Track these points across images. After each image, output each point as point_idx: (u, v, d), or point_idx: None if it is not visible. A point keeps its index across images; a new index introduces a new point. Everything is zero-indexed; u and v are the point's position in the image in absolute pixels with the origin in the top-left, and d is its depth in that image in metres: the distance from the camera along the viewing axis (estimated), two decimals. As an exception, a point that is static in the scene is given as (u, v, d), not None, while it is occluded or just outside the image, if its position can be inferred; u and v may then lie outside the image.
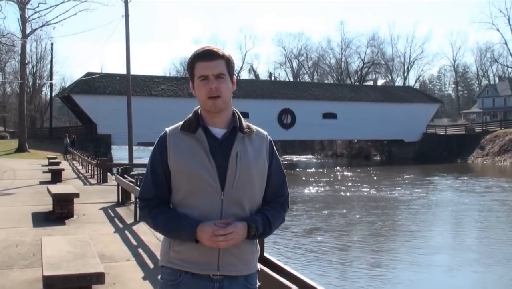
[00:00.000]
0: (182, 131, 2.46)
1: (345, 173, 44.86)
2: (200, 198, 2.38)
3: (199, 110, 2.53)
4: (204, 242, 2.30)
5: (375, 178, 39.23)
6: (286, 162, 64.82)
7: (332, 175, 42.37)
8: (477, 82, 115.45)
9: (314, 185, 34.32)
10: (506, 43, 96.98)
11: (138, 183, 11.38)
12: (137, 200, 2.77)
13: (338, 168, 52.69)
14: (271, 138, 2.59)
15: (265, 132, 2.59)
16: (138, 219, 11.40)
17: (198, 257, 2.37)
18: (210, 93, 2.41)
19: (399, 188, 31.58)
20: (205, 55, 2.44)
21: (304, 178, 39.36)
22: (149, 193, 2.47)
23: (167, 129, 2.52)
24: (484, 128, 63.75)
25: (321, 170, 49.96)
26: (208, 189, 2.36)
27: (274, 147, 2.60)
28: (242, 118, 2.55)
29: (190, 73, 2.49)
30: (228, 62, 2.48)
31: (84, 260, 5.24)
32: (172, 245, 2.42)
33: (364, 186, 33.14)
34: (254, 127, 2.55)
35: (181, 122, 2.52)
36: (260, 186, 2.48)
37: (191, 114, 2.53)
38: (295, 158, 72.48)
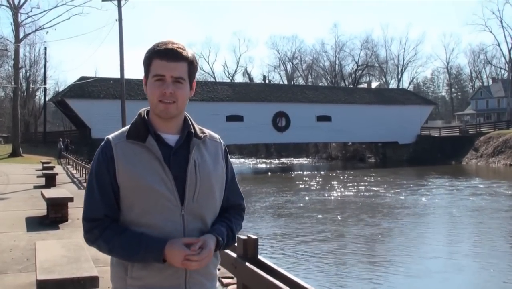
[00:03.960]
0: (129, 140, 2.15)
1: (340, 176, 44.89)
2: (158, 216, 2.10)
3: (145, 113, 2.24)
4: (174, 264, 2.06)
5: (369, 180, 39.27)
6: (280, 165, 64.85)
7: (327, 178, 42.40)
8: (470, 84, 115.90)
9: (308, 188, 34.33)
10: (499, 45, 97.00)
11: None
12: (82, 221, 2.21)
13: (338, 171, 52.71)
14: (223, 141, 2.37)
15: (217, 136, 2.35)
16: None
17: (163, 281, 2.13)
18: (164, 98, 2.14)
19: (393, 191, 31.61)
20: (167, 54, 2.14)
21: (297, 182, 39.38)
22: (98, 212, 2.12)
23: (110, 137, 2.19)
24: (478, 130, 63.97)
25: (315, 173, 49.99)
26: (166, 204, 2.10)
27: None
28: (194, 122, 2.29)
29: (146, 69, 2.21)
30: (191, 65, 2.21)
31: (78, 264, 5.23)
32: (130, 271, 2.13)
33: (359, 189, 33.18)
34: (206, 131, 2.32)
35: (125, 129, 2.22)
36: (220, 195, 2.26)
37: (135, 119, 2.23)
38: (290, 161, 72.50)
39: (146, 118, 2.22)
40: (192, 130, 2.23)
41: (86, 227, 2.16)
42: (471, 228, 19.59)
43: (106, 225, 2.12)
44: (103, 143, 2.19)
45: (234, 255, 4.61)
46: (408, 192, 30.51)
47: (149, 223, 2.10)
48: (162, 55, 2.14)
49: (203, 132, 2.28)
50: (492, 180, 37.77)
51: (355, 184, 36.25)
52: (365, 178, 40.77)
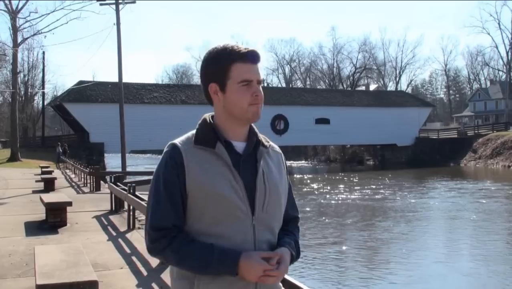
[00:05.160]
0: (197, 145, 2.06)
1: (339, 179, 44.89)
2: (229, 226, 2.01)
3: (210, 119, 2.15)
4: (249, 278, 1.98)
5: (368, 183, 39.26)
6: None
7: (325, 181, 42.41)
8: (468, 86, 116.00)
9: (307, 191, 34.32)
10: (496, 47, 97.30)
11: (131, 190, 11.36)
12: (148, 231, 2.03)
13: (337, 174, 52.70)
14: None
15: (277, 146, 2.29)
16: (131, 227, 11.39)
17: None
18: (255, 101, 2.07)
19: (393, 193, 31.62)
20: (252, 57, 2.08)
21: (298, 185, 39.36)
22: (166, 221, 2.01)
23: (177, 142, 2.08)
24: (476, 131, 64.00)
25: (314, 176, 49.98)
26: (237, 213, 2.02)
27: None
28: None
29: (221, 73, 2.07)
30: None
31: (77, 269, 5.22)
32: (197, 285, 2.02)
33: (358, 192, 33.18)
34: (269, 140, 2.25)
35: (189, 135, 2.12)
36: (284, 206, 2.20)
37: (201, 124, 2.13)
38: (289, 163, 72.51)
39: (213, 124, 2.13)
40: (260, 139, 2.17)
41: (152, 236, 2.03)
42: (470, 230, 19.58)
43: (174, 235, 2.01)
44: (168, 148, 2.07)
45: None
46: (408, 194, 30.50)
47: (219, 233, 2.01)
48: (245, 58, 2.06)
49: (267, 141, 2.21)
50: (490, 182, 37.78)
51: (354, 186, 36.26)
52: (364, 181, 40.78)
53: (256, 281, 1.98)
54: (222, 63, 2.06)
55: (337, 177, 45.90)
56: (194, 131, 2.12)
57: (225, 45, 2.09)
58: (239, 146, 2.11)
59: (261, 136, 2.19)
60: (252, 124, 2.17)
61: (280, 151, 2.27)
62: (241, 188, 2.02)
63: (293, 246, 2.15)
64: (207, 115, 2.16)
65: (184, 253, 1.98)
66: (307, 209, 24.37)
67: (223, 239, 2.00)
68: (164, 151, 2.09)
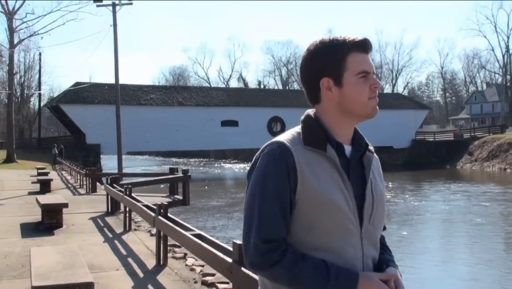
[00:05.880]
0: (307, 146, 1.81)
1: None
2: (340, 239, 1.78)
3: (314, 115, 1.90)
4: None
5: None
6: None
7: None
8: (465, 88, 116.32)
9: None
10: (493, 50, 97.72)
11: (128, 192, 11.35)
12: (255, 242, 1.71)
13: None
14: None
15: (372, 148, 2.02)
16: (127, 229, 11.37)
17: None
18: (374, 93, 1.87)
19: (390, 195, 31.67)
20: (368, 46, 1.88)
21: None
22: (277, 232, 1.75)
23: (284, 141, 1.82)
24: (472, 134, 64.14)
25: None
26: (348, 225, 1.80)
27: None
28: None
29: (337, 65, 1.85)
30: None
31: (73, 270, 5.21)
32: None
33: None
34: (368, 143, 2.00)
35: (293, 133, 1.87)
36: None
37: (308, 123, 1.89)
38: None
39: (322, 123, 1.89)
40: (367, 142, 1.96)
41: (260, 249, 1.74)
42: (466, 233, 19.61)
43: (284, 249, 1.74)
44: (276, 147, 1.80)
45: (230, 260, 4.62)
46: (405, 196, 30.53)
47: (330, 248, 1.78)
48: (362, 47, 1.86)
49: (370, 145, 1.98)
50: (486, 184, 37.86)
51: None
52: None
53: None
54: (338, 54, 1.84)
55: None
56: (296, 130, 1.88)
57: (334, 36, 1.90)
58: (347, 149, 1.89)
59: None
60: (356, 126, 1.97)
61: (375, 155, 2.03)
62: (351, 198, 1.81)
63: (396, 266, 1.93)
64: (311, 112, 1.92)
65: (297, 271, 1.72)
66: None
67: (333, 254, 1.77)
68: (267, 149, 1.82)
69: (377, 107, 1.89)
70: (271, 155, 1.78)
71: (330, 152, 1.81)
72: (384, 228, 2.01)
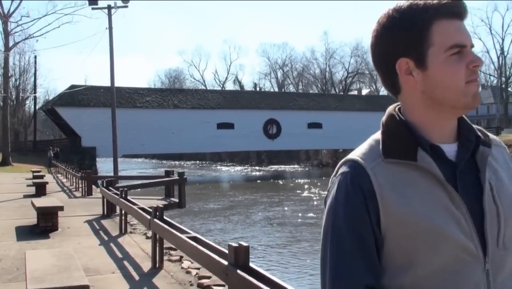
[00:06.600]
0: (388, 159, 1.34)
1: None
2: (451, 278, 1.29)
3: (398, 114, 1.41)
4: None
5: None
6: (272, 172, 64.86)
7: (319, 186, 42.46)
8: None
9: (300, 195, 34.34)
10: (488, 52, 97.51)
11: (123, 195, 11.33)
12: None
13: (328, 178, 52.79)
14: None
15: (496, 137, 1.48)
16: (123, 231, 11.35)
17: None
18: (473, 75, 1.34)
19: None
20: (461, 9, 1.35)
21: (292, 189, 39.39)
22: (357, 280, 1.29)
23: (357, 158, 1.37)
24: (467, 136, 64.28)
25: (306, 180, 50.04)
26: (464, 257, 1.29)
27: None
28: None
29: (417, 40, 1.33)
30: None
31: (68, 273, 5.20)
32: None
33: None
34: (485, 131, 1.46)
35: (371, 143, 1.42)
36: None
37: (389, 125, 1.41)
38: (281, 168, 72.51)
39: (407, 121, 1.39)
40: (479, 134, 1.41)
41: None
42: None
43: None
44: (347, 169, 1.37)
45: (225, 262, 4.61)
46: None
47: None
48: (453, 12, 1.34)
49: (486, 134, 1.44)
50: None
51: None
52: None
53: None
54: (417, 24, 1.32)
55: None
56: (376, 137, 1.42)
57: (411, 0, 1.35)
58: (449, 150, 1.37)
59: (476, 127, 1.42)
60: (464, 115, 1.43)
61: (502, 143, 1.50)
62: (466, 216, 1.30)
63: None
64: (393, 109, 1.44)
65: None
66: (310, 215, 24.42)
67: None
68: (339, 171, 1.40)
69: (479, 94, 1.36)
70: (342, 179, 1.36)
71: (423, 159, 1.32)
72: None
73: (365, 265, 1.30)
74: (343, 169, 1.38)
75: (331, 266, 1.33)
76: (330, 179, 1.43)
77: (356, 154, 1.39)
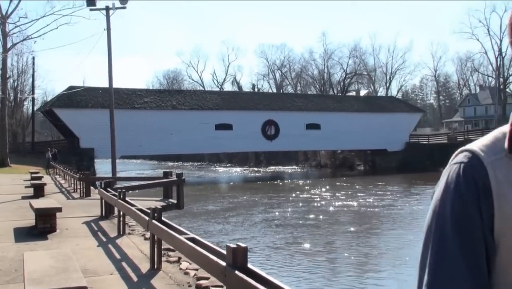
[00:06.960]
0: None
1: (329, 184, 44.95)
2: None
3: None
4: None
5: (359, 188, 39.33)
6: (270, 174, 64.84)
7: (316, 187, 42.46)
8: (458, 91, 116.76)
9: (298, 197, 34.32)
10: (486, 53, 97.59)
11: (122, 196, 11.32)
12: None
13: (328, 179, 52.80)
14: None
15: None
16: (121, 233, 11.34)
17: None
18: None
19: (384, 199, 31.69)
20: None
21: (290, 190, 39.37)
22: None
23: (476, 149, 1.17)
24: (466, 137, 64.31)
25: (304, 182, 50.04)
26: None
27: None
28: None
29: None
30: None
31: (66, 275, 5.20)
32: None
33: (349, 197, 33.22)
34: None
35: (497, 135, 1.20)
36: None
37: None
38: (279, 169, 72.51)
39: None
40: None
41: None
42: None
43: None
44: (461, 159, 1.18)
45: (224, 263, 4.62)
46: (400, 200, 30.58)
47: None
48: None
49: None
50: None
51: (345, 192, 36.29)
52: (355, 186, 40.84)
53: None
54: None
55: (337, 183, 45.84)
56: (504, 129, 1.20)
57: None
58: None
59: None
60: None
61: None
62: None
63: None
64: None
65: None
66: (311, 216, 24.41)
67: None
68: (453, 161, 1.20)
69: None
70: (454, 171, 1.17)
71: None
72: None
73: (470, 272, 1.10)
74: (457, 159, 1.19)
75: (429, 272, 1.15)
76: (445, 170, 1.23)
77: (476, 144, 1.19)
